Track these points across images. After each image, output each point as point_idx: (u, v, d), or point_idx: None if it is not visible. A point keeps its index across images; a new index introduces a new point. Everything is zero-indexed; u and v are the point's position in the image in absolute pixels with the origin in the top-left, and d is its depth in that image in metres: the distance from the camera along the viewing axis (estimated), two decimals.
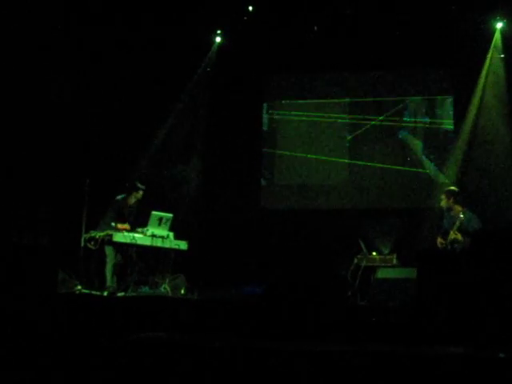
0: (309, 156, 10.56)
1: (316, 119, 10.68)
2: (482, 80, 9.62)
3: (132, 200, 8.16)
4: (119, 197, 8.18)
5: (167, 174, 10.08)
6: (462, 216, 7.48)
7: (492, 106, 9.53)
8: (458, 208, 7.56)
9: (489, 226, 7.83)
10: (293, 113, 10.78)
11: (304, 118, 10.72)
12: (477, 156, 9.50)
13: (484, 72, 9.61)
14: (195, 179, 10.34)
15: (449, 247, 7.34)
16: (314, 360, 3.65)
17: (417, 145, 10.31)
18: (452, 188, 7.87)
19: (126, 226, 7.91)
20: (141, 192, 8.17)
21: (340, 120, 10.57)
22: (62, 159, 9.21)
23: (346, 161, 10.46)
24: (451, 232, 7.40)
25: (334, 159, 10.47)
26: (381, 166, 10.27)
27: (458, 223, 7.43)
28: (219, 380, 3.59)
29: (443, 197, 7.71)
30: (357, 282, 8.06)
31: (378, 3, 9.25)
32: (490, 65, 9.59)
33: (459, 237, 7.31)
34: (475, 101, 9.65)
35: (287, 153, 10.68)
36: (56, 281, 6.94)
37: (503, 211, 9.00)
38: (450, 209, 7.63)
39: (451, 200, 7.61)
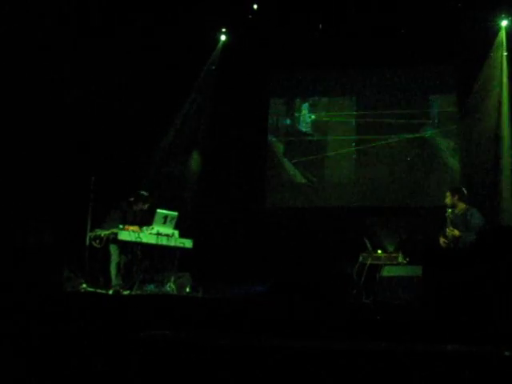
0: (314, 154, 10.56)
1: (322, 117, 10.68)
2: (485, 77, 9.60)
3: (137, 208, 8.18)
4: (125, 201, 8.18)
5: (172, 171, 10.08)
6: (449, 211, 7.46)
7: (495, 104, 9.51)
8: (462, 205, 7.52)
9: (493, 223, 7.81)
10: (299, 110, 10.79)
11: (310, 116, 10.72)
12: (480, 153, 9.48)
13: (488, 69, 9.59)
14: (200, 177, 10.35)
15: (452, 245, 7.31)
16: (318, 358, 3.66)
17: None
18: (457, 185, 7.83)
19: (135, 227, 7.91)
20: (146, 205, 8.19)
21: (346, 117, 10.56)
22: (67, 157, 9.22)
23: (353, 159, 10.46)
24: (447, 229, 7.38)
25: (340, 159, 10.48)
26: (387, 163, 10.27)
27: (448, 220, 7.42)
28: (224, 378, 3.59)
29: (448, 194, 7.66)
30: (362, 280, 8.04)
31: (382, 1, 9.23)
32: (493, 62, 9.57)
33: (456, 233, 7.26)
34: (479, 98, 9.63)
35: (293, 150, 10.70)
36: (61, 279, 6.97)
37: (508, 208, 8.99)
38: (453, 206, 7.59)
39: (456, 197, 7.57)
